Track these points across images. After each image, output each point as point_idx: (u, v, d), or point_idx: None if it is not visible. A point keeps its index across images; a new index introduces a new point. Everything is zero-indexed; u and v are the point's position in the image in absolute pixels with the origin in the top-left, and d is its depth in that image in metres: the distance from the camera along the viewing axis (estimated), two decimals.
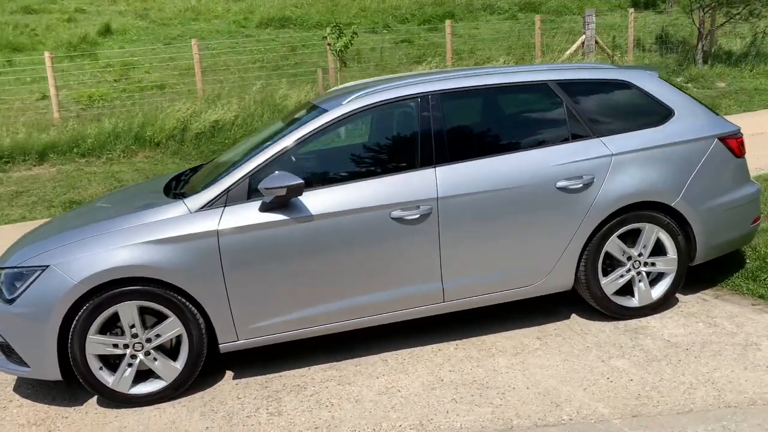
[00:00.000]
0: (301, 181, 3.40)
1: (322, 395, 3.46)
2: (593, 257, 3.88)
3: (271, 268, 3.51)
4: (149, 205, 3.64)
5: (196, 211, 3.49)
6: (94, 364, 3.44)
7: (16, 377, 3.84)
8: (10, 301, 3.41)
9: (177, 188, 4.03)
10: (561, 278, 3.89)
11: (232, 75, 13.64)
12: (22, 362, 3.46)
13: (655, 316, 4.03)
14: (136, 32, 17.39)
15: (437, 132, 3.74)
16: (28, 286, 3.38)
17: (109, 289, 3.37)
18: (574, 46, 13.49)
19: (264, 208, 3.49)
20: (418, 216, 3.60)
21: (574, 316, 4.12)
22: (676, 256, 3.99)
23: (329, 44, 11.13)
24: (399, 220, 3.58)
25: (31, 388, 3.78)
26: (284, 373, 3.74)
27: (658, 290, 4.03)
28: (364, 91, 3.83)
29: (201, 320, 3.50)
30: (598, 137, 3.89)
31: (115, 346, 3.45)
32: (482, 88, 3.92)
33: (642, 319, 4.01)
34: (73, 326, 3.37)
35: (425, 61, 12.96)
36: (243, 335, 3.57)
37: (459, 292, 3.77)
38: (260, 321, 3.56)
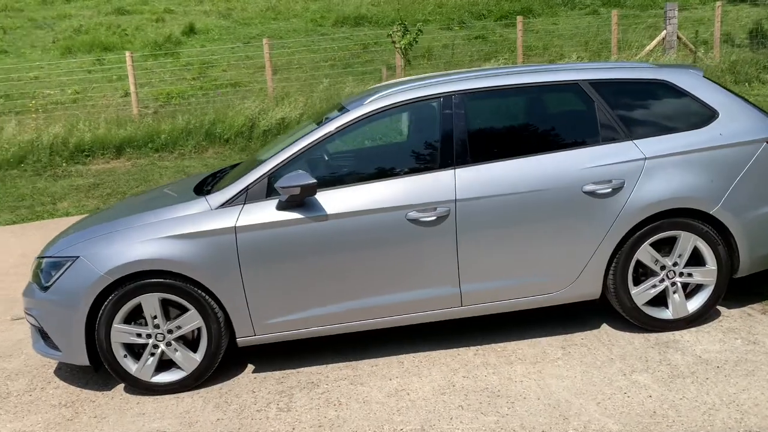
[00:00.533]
0: (314, 180, 3.42)
1: (333, 394, 3.49)
2: (623, 265, 3.70)
3: (286, 266, 3.56)
4: (176, 202, 3.77)
5: (216, 208, 3.58)
6: (119, 352, 3.60)
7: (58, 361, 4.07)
8: (46, 289, 3.63)
9: (208, 186, 4.15)
10: (587, 286, 3.74)
11: (303, 73, 13.90)
12: (55, 347, 3.67)
13: (690, 329, 3.81)
14: (218, 32, 18.02)
15: (458, 133, 3.67)
16: (61, 275, 3.58)
17: (134, 281, 3.52)
18: (654, 42, 12.90)
19: (281, 207, 3.54)
20: (434, 218, 3.55)
21: (604, 325, 3.96)
22: (715, 267, 3.76)
23: (394, 42, 11.14)
24: (415, 221, 3.55)
25: (69, 372, 4.00)
26: (301, 369, 3.79)
27: (695, 303, 3.81)
28: (387, 91, 3.82)
29: (220, 314, 3.60)
30: (631, 140, 3.71)
31: (139, 335, 3.60)
32: (508, 88, 3.82)
33: (676, 332, 3.80)
34: (99, 315, 3.54)
35: (495, 57, 12.74)
36: (260, 330, 3.64)
37: (477, 297, 3.69)
38: (276, 317, 3.62)
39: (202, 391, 3.66)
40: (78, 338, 3.57)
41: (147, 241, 3.53)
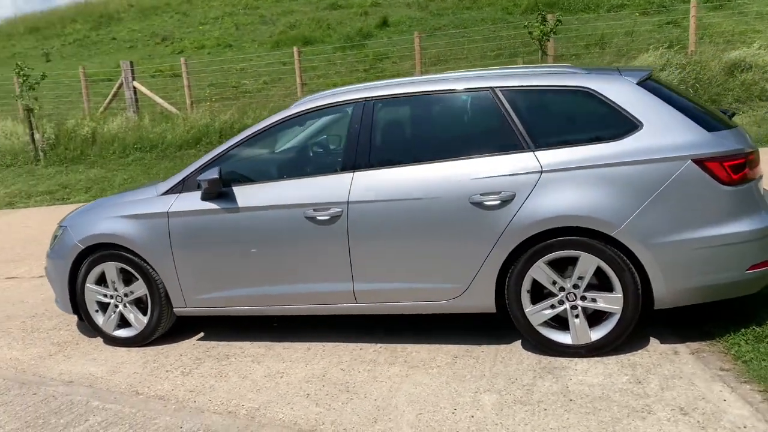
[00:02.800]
0: (216, 176, 3.87)
1: (229, 367, 3.93)
2: (515, 282, 3.56)
3: (206, 250, 4.06)
4: (142, 187, 4.47)
5: (159, 195, 4.20)
6: (92, 307, 4.43)
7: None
8: (50, 251, 4.58)
9: None
10: (478, 299, 3.66)
11: (467, 63, 14.02)
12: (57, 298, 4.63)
13: (590, 358, 3.53)
14: (408, 23, 18.80)
15: (362, 137, 3.82)
16: (56, 241, 4.50)
17: (99, 251, 4.30)
18: None
19: (203, 197, 4.04)
20: (328, 217, 3.77)
21: (516, 342, 3.82)
22: (621, 295, 3.42)
23: (530, 33, 10.79)
24: (312, 219, 3.81)
25: (78, 324, 4.95)
26: (233, 343, 4.29)
27: (600, 331, 3.51)
28: (308, 97, 4.08)
29: (161, 285, 4.23)
30: (533, 150, 3.52)
31: (105, 296, 4.38)
32: (419, 95, 3.85)
33: (574, 359, 3.55)
34: (77, 275, 4.39)
35: (662, 46, 11.61)
36: (190, 304, 4.20)
37: (369, 296, 3.83)
38: (202, 294, 4.15)
39: (148, 348, 4.34)
40: (64, 292, 4.46)
41: (107, 219, 4.28)
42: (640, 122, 3.42)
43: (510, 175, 3.50)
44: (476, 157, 3.61)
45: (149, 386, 3.78)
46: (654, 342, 3.66)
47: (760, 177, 3.56)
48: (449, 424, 3.06)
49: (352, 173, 3.79)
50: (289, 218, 3.86)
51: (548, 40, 10.66)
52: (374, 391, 3.44)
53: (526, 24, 10.88)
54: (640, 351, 3.57)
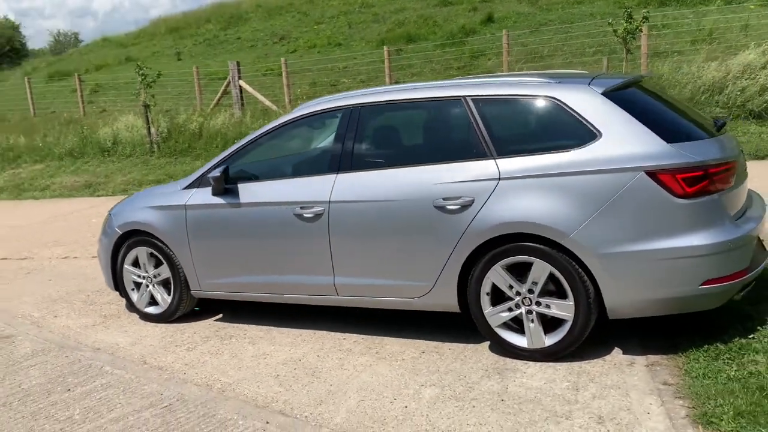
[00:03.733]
0: (218, 174, 4.30)
1: (228, 347, 4.37)
2: (475, 284, 3.70)
3: (214, 239, 4.52)
4: (172, 182, 5.01)
5: (182, 189, 4.71)
6: (129, 286, 5.05)
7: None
8: (101, 235, 5.25)
9: None
10: (442, 298, 3.83)
11: (562, 61, 13.73)
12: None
13: (545, 363, 3.60)
14: (514, 19, 18.59)
15: (347, 142, 4.10)
16: (104, 226, 5.16)
17: (134, 237, 4.90)
18: None
19: (213, 193, 4.49)
20: (312, 215, 4.09)
21: (486, 343, 3.95)
22: (572, 303, 3.47)
23: (615, 31, 10.39)
24: (299, 216, 4.15)
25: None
26: (240, 325, 4.73)
27: (554, 337, 3.58)
28: (308, 102, 4.41)
29: (181, 270, 4.75)
30: (494, 158, 3.64)
31: (139, 276, 4.98)
32: (399, 103, 4.06)
33: (528, 362, 3.64)
34: (118, 258, 5.02)
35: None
36: (203, 287, 4.69)
37: (349, 290, 4.12)
38: (212, 279, 4.62)
39: (171, 325, 4.88)
40: (107, 272, 5.12)
41: (141, 209, 4.87)
42: (600, 132, 3.44)
43: (470, 181, 3.64)
44: (444, 163, 3.77)
45: (156, 357, 4.29)
46: (616, 351, 3.66)
47: (734, 187, 3.45)
48: (382, 411, 3.29)
49: (335, 175, 4.08)
50: (281, 214, 4.22)
51: (634, 38, 10.25)
52: (335, 378, 3.73)
53: (610, 21, 10.53)
54: (596, 359, 3.59)
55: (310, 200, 4.11)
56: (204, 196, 4.54)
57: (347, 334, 4.33)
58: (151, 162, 13.44)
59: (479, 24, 18.68)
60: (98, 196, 11.79)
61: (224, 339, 4.50)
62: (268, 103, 13.96)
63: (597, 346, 3.72)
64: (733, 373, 3.17)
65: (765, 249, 3.66)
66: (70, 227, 9.25)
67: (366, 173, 4.00)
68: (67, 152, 14.62)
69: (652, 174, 3.28)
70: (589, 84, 3.60)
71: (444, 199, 3.69)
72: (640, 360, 3.54)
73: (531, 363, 3.63)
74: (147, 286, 4.95)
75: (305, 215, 4.11)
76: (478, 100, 3.78)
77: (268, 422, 3.29)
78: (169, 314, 4.89)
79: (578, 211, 3.39)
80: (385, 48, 13.81)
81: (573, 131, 3.50)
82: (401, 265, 3.89)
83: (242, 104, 14.31)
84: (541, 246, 3.49)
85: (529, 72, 5.68)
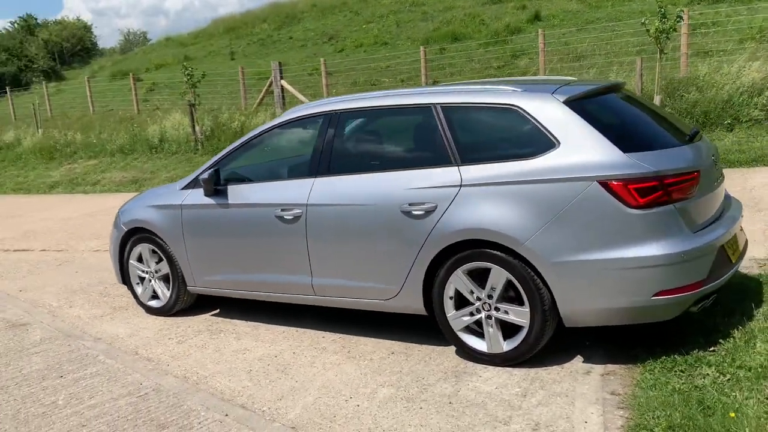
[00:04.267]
0: (206, 176, 4.51)
1: (213, 341, 4.57)
2: (439, 288, 3.78)
3: (206, 238, 4.73)
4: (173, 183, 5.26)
5: (179, 189, 4.95)
6: (135, 280, 5.33)
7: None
8: (112, 231, 5.56)
9: None
10: (409, 301, 3.92)
11: (604, 59, 13.46)
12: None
13: (503, 368, 3.65)
14: (561, 17, 18.30)
15: (325, 146, 4.23)
16: (115, 223, 5.46)
17: (138, 234, 5.18)
18: None
19: (204, 194, 4.71)
20: (291, 217, 4.25)
21: (453, 345, 4.02)
22: (528, 309, 3.51)
23: (648, 30, 10.11)
24: (280, 218, 4.31)
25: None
26: (233, 320, 4.95)
27: (512, 343, 3.62)
28: (294, 107, 4.56)
29: (179, 266, 4.99)
30: (458, 165, 3.70)
31: (142, 271, 5.26)
32: (374, 109, 4.16)
33: (488, 366, 3.69)
34: (125, 253, 5.31)
35: None
36: (197, 283, 4.92)
37: (325, 290, 4.25)
38: (205, 276, 4.84)
39: (170, 318, 5.14)
40: (116, 266, 5.42)
41: (143, 207, 5.14)
42: (558, 141, 3.46)
43: (434, 187, 3.72)
44: (412, 169, 3.86)
45: (147, 349, 4.54)
46: (576, 360, 3.67)
47: (698, 197, 3.42)
48: (334, 409, 3.41)
49: (314, 179, 4.22)
50: (264, 216, 4.38)
51: (668, 38, 9.97)
52: (302, 375, 3.88)
53: (644, 21, 10.27)
54: (554, 367, 3.61)
55: (289, 203, 4.26)
56: (198, 196, 4.76)
57: (327, 333, 4.47)
58: (195, 159, 13.92)
59: (525, 22, 18.48)
60: (143, 191, 12.31)
61: (214, 333, 4.72)
62: (307, 102, 14.24)
63: (559, 353, 3.74)
64: (679, 385, 3.15)
65: (731, 261, 3.59)
66: (110, 221, 9.68)
67: (341, 177, 4.12)
68: (119, 149, 15.30)
69: (605, 184, 3.28)
70: (553, 93, 3.61)
71: (410, 204, 3.77)
72: (598, 369, 3.54)
73: (490, 367, 3.69)
74: (149, 280, 5.22)
75: (285, 217, 4.26)
76: (446, 108, 3.84)
77: (227, 414, 3.46)
78: (169, 308, 5.14)
79: (533, 220, 3.42)
80: (421, 48, 13.86)
81: (533, 140, 3.53)
82: (372, 267, 4.00)
83: (284, 103, 14.63)
84: (498, 253, 3.53)
85: (502, 79, 5.69)
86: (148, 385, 3.94)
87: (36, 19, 43.40)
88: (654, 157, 3.36)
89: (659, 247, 3.25)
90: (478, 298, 3.67)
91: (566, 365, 3.62)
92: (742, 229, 4.00)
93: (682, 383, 3.17)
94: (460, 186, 3.64)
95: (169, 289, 5.11)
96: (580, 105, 3.56)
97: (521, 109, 3.60)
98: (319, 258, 4.20)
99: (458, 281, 3.70)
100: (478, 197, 3.58)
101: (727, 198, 4.16)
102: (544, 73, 12.43)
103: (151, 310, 5.27)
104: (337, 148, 4.21)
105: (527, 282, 3.47)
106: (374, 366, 3.88)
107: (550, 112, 3.53)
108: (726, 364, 3.26)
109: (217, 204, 4.62)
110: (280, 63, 14.71)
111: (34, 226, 10.00)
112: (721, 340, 3.51)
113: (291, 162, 4.61)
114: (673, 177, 3.31)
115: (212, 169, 4.62)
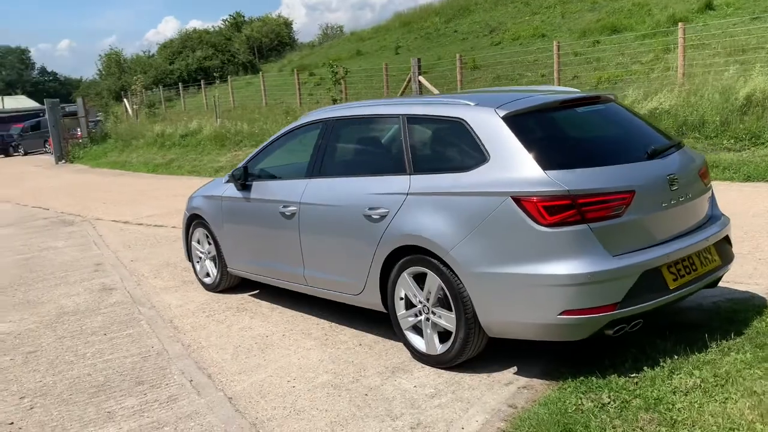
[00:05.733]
0: (236, 173, 5.14)
1: (233, 317, 5.20)
2: (391, 289, 4.03)
3: (237, 226, 5.37)
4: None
5: (223, 183, 5.64)
6: (195, 258, 6.16)
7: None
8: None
9: None
10: (371, 298, 4.20)
11: (751, 55, 12.12)
12: None
13: (438, 369, 3.82)
14: (736, 6, 16.60)
15: (320, 151, 4.63)
16: (185, 208, 6.33)
17: (196, 219, 5.98)
18: None
19: (236, 188, 5.34)
20: (289, 213, 4.72)
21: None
22: (454, 316, 3.65)
23: None
24: (282, 213, 4.80)
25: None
26: (261, 301, 5.56)
27: (445, 346, 3.77)
28: (307, 113, 5.01)
29: (222, 250, 5.70)
30: (410, 174, 3.91)
31: (201, 252, 6.05)
32: (359, 118, 4.49)
33: (425, 366, 3.89)
34: (189, 235, 6.16)
35: None
36: (231, 266, 5.59)
37: (313, 282, 4.67)
38: (236, 260, 5.50)
39: (216, 295, 5.87)
40: (184, 246, 6.29)
41: (200, 196, 5.92)
42: (489, 156, 3.54)
43: (389, 194, 3.96)
44: (377, 175, 4.14)
45: (180, 319, 5.29)
46: (509, 370, 3.72)
47: (629, 217, 3.32)
48: (272, 387, 3.84)
49: (308, 180, 4.65)
50: (272, 210, 4.90)
51: None
52: (273, 355, 4.34)
53: None
54: (482, 374, 3.71)
55: (289, 200, 4.73)
56: (233, 190, 5.40)
57: (323, 321, 4.89)
58: None
59: (695, 12, 16.99)
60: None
61: (237, 311, 5.35)
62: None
63: (498, 361, 3.82)
64: (571, 407, 3.12)
65: (668, 288, 3.40)
66: None
67: (327, 179, 4.50)
68: None
69: (518, 200, 3.32)
70: (497, 107, 3.67)
71: (369, 208, 4.05)
72: (521, 382, 3.58)
73: (427, 367, 3.87)
74: (204, 260, 6.00)
75: (286, 213, 4.74)
76: (410, 119, 4.05)
77: (191, 380, 4.04)
78: (216, 285, 5.88)
79: (458, 230, 3.55)
80: (555, 43, 13.46)
81: (471, 153, 3.64)
82: (344, 264, 4.34)
83: None
84: (432, 260, 3.70)
85: (471, 90, 5.63)
86: (156, 349, 4.65)
87: (243, 16, 48.19)
88: (575, 175, 3.32)
89: (566, 267, 3.23)
90: (420, 301, 3.87)
91: (494, 374, 3.70)
92: (717, 251, 3.74)
93: (576, 405, 3.14)
94: (407, 194, 3.85)
95: (216, 269, 5.84)
96: (519, 120, 3.59)
97: (465, 122, 3.72)
98: (308, 251, 4.62)
99: (405, 283, 3.92)
100: (419, 206, 3.77)
101: (713, 217, 3.91)
102: (682, 71, 11.52)
103: (205, 286, 6.05)
104: (326, 152, 4.60)
105: (453, 289, 3.61)
106: (335, 354, 4.24)
107: (487, 126, 3.61)
108: (626, 392, 3.17)
109: (244, 198, 5.22)
110: (419, 59, 15.14)
111: (182, 206, 11.50)
112: (645, 367, 3.38)
113: (298, 164, 5.06)
114: (590, 197, 3.25)
115: (242, 167, 5.23)
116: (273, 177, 5.13)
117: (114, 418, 3.61)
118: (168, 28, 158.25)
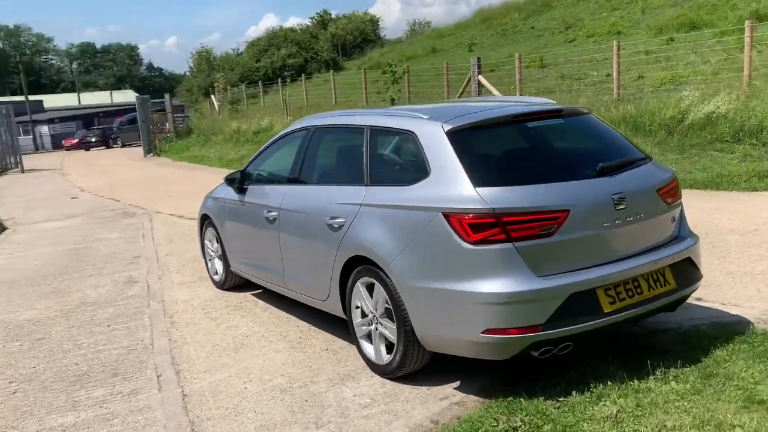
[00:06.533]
0: (231, 177, 5.34)
1: (229, 316, 5.42)
2: (348, 297, 4.10)
3: (234, 228, 5.60)
4: None
5: (226, 186, 5.88)
6: (208, 257, 6.45)
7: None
8: None
9: None
10: (334, 304, 4.28)
11: None
12: None
13: (382, 379, 3.86)
14: None
15: (299, 158, 4.76)
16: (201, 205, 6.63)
17: (207, 219, 6.27)
18: None
19: (234, 190, 5.56)
20: (272, 218, 4.88)
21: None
22: (395, 327, 3.69)
23: None
24: (266, 218, 4.97)
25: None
26: (258, 301, 5.76)
27: (389, 357, 3.81)
28: (297, 120, 5.14)
29: (226, 249, 5.95)
30: (366, 185, 3.96)
31: (212, 251, 6.33)
32: (333, 127, 4.58)
33: (374, 374, 3.93)
34: (203, 234, 6.46)
35: None
36: (232, 266, 5.82)
37: (291, 285, 4.81)
38: (234, 260, 5.72)
39: (222, 292, 6.13)
40: (200, 245, 6.60)
41: (210, 198, 6.19)
42: (430, 170, 3.55)
43: (346, 204, 4.03)
44: (340, 185, 4.22)
45: (181, 315, 5.57)
46: (451, 385, 3.71)
47: (561, 237, 3.25)
48: (227, 387, 3.99)
49: (288, 186, 4.79)
50: (258, 214, 5.07)
51: None
52: (243, 355, 4.50)
53: None
54: (422, 387, 3.71)
55: (272, 205, 4.89)
56: (233, 193, 5.62)
57: (304, 324, 5.02)
58: None
59: None
60: None
61: (233, 310, 5.57)
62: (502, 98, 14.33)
63: (445, 375, 3.80)
64: (481, 427, 3.10)
65: (602, 311, 3.28)
66: None
67: (303, 187, 4.63)
68: None
69: (447, 216, 3.31)
70: (445, 121, 3.65)
71: (330, 217, 4.14)
72: (457, 398, 3.56)
73: (376, 376, 3.92)
74: (214, 258, 6.27)
75: (269, 217, 4.90)
76: (372, 130, 4.10)
77: (160, 375, 4.28)
78: (222, 283, 6.14)
79: (397, 244, 3.57)
80: (615, 42, 12.92)
81: (417, 166, 3.65)
82: (313, 270, 4.44)
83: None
84: (378, 271, 3.75)
85: (490, 98, 5.50)
86: (145, 342, 4.93)
87: (330, 14, 49.08)
88: (506, 193, 3.27)
89: (488, 285, 3.19)
90: (371, 311, 3.92)
91: (435, 388, 3.69)
92: (672, 274, 3.58)
93: (490, 427, 3.11)
94: (361, 205, 3.90)
95: (222, 268, 6.10)
96: (462, 135, 3.56)
97: (415, 135, 3.73)
98: (286, 256, 4.76)
99: (358, 293, 3.98)
100: (369, 217, 3.82)
101: (678, 237, 3.74)
102: (747, 72, 10.81)
103: (214, 283, 6.33)
104: (305, 160, 4.71)
105: (395, 301, 3.64)
106: (299, 358, 4.35)
107: (432, 140, 3.61)
108: (541, 417, 3.10)
109: (240, 200, 5.43)
110: (479, 58, 14.99)
111: None
112: (576, 392, 3.29)
113: (284, 170, 5.20)
114: (516, 215, 3.20)
115: (239, 171, 5.44)
116: (263, 181, 5.30)
117: (77, 407, 3.89)
118: (267, 26, 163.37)
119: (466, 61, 20.28)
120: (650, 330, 4.13)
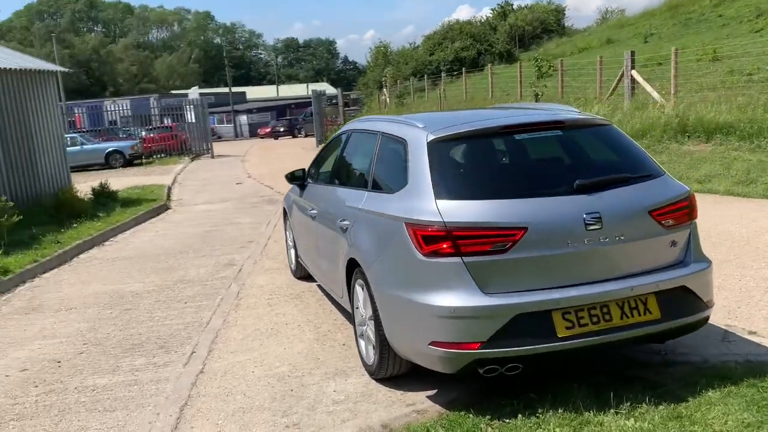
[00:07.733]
0: (291, 175, 5.72)
1: (281, 302, 5.84)
2: (351, 296, 4.28)
3: (297, 221, 5.99)
4: None
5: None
6: (288, 245, 6.93)
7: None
8: None
9: None
10: (345, 303, 4.48)
11: None
12: None
13: (369, 378, 3.99)
14: None
15: (336, 161, 5.01)
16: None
17: (286, 214, 6.73)
18: None
19: (297, 187, 5.94)
20: (313, 216, 5.18)
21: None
22: (374, 330, 3.81)
23: None
24: (310, 215, 5.27)
25: None
26: (304, 292, 6.10)
27: (375, 358, 3.93)
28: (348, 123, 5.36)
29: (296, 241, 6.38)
30: (369, 190, 4.10)
31: (290, 242, 6.79)
32: (360, 131, 4.74)
33: (365, 374, 4.07)
34: (285, 224, 6.95)
35: None
36: (300, 257, 6.22)
37: (322, 279, 5.10)
38: (301, 251, 6.12)
39: (294, 280, 6.54)
40: (285, 236, 7.11)
41: (288, 193, 6.64)
42: (408, 180, 3.60)
43: (351, 207, 4.20)
44: (352, 188, 4.40)
45: (247, 298, 6.05)
46: (426, 392, 3.72)
47: (519, 254, 3.16)
48: (237, 370, 4.35)
49: (326, 186, 5.06)
50: (307, 210, 5.39)
51: None
52: (272, 341, 4.84)
53: None
54: (399, 392, 3.76)
55: (314, 204, 5.19)
56: (299, 189, 6.01)
57: (342, 318, 5.25)
58: None
59: None
60: None
61: (291, 299, 5.95)
62: (655, 95, 13.30)
63: (427, 382, 3.81)
64: None
65: (555, 335, 3.11)
66: None
67: (332, 188, 4.87)
68: None
69: (408, 227, 3.36)
70: (432, 131, 3.67)
71: (341, 220, 4.33)
72: (423, 405, 3.57)
73: (366, 376, 4.04)
74: (290, 249, 6.73)
75: (312, 215, 5.20)
76: (382, 136, 4.21)
77: (194, 352, 4.77)
78: (294, 272, 6.58)
79: (375, 250, 3.68)
80: None
81: (402, 175, 3.70)
82: (333, 268, 4.65)
83: (632, 94, 13.98)
84: (363, 273, 3.88)
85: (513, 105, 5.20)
86: (203, 320, 5.48)
87: (512, 5, 48.22)
88: (463, 207, 3.23)
89: (434, 298, 3.20)
90: (362, 313, 4.06)
91: (409, 393, 3.73)
92: (658, 303, 3.29)
93: None
94: (360, 209, 4.05)
95: (294, 258, 6.54)
96: (441, 146, 3.56)
97: (406, 144, 3.79)
98: (320, 253, 5.04)
99: (356, 293, 4.14)
100: (363, 221, 3.96)
101: (681, 262, 3.43)
102: None
103: (291, 272, 6.79)
104: (340, 162, 4.95)
105: (373, 304, 3.75)
106: (314, 350, 4.60)
107: (416, 149, 3.65)
108: None
109: (299, 197, 5.80)
110: (632, 52, 14.01)
111: None
112: (521, 416, 3.17)
113: (328, 171, 5.44)
114: (467, 230, 3.16)
115: (301, 169, 5.81)
116: (315, 180, 5.60)
117: (115, 372, 4.49)
118: (461, 16, 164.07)
119: (639, 53, 19.04)
120: (644, 363, 3.81)
